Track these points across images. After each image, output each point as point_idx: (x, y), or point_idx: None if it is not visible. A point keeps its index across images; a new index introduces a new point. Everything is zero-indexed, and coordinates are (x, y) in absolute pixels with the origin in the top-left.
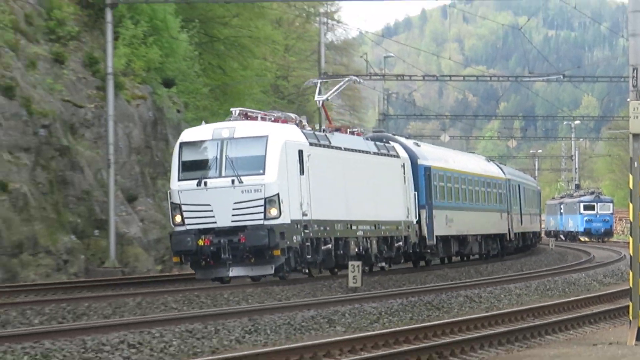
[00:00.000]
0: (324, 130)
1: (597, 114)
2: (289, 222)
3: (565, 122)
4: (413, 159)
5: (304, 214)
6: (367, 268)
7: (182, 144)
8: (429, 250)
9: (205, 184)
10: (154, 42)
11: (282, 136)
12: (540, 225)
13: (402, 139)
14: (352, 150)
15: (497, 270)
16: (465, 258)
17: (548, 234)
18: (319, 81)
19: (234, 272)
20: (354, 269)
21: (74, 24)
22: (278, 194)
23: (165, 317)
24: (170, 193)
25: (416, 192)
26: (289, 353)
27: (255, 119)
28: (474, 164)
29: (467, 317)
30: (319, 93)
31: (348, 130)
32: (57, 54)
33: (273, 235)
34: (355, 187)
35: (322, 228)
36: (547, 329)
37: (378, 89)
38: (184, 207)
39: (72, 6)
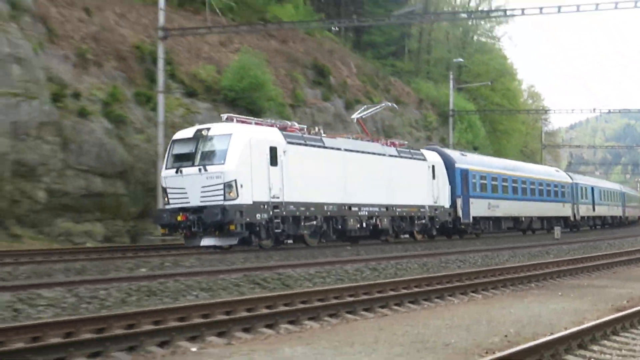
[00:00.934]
0: (320, 135)
1: None
2: (251, 203)
3: None
4: (450, 163)
5: (273, 197)
6: (388, 238)
7: (173, 141)
8: (463, 227)
9: (181, 171)
10: (469, 130)
11: (247, 134)
12: (624, 211)
13: (447, 151)
14: (356, 151)
15: (619, 232)
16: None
17: None
18: (364, 107)
19: (204, 242)
20: (557, 229)
21: (436, 123)
22: (235, 180)
23: (413, 254)
24: (161, 179)
25: (451, 186)
26: (527, 267)
27: (232, 120)
28: (534, 172)
29: (608, 252)
30: (358, 113)
31: (388, 140)
32: (428, 137)
33: (227, 213)
34: (360, 178)
35: (301, 208)
36: None
37: (567, 151)
38: (168, 190)
39: (434, 116)
